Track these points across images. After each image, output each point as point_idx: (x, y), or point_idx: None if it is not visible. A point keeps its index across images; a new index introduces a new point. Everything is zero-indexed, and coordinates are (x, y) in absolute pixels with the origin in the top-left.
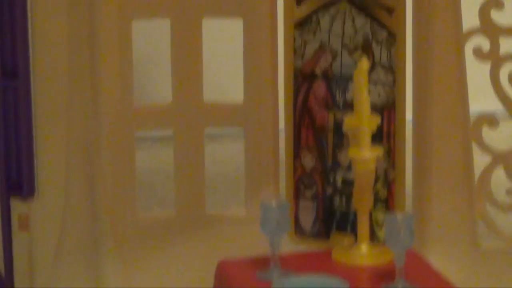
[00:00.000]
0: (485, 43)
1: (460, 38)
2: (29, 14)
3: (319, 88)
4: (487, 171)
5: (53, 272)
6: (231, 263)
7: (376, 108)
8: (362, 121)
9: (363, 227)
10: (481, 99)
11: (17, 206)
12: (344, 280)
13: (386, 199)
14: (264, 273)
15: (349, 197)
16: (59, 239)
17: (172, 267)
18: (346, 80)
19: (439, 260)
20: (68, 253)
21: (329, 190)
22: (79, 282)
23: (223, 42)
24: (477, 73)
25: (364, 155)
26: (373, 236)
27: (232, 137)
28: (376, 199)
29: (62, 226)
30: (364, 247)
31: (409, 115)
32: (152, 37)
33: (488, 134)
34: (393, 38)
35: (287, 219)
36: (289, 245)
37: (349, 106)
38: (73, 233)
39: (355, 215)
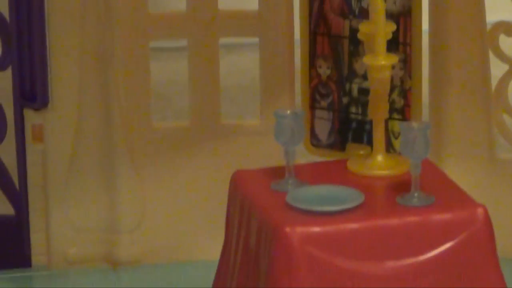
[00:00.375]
0: None
1: None
2: None
3: None
4: (504, 80)
5: (67, 183)
6: (246, 173)
7: (392, 16)
8: (378, 28)
9: (378, 136)
10: (498, 9)
11: (31, 117)
12: (359, 190)
13: (403, 108)
14: (278, 183)
15: (365, 106)
16: (73, 150)
17: (187, 177)
18: None
19: (455, 170)
20: (82, 163)
21: (345, 100)
22: (94, 193)
23: None
24: None
25: (379, 62)
26: (389, 147)
27: (249, 47)
28: (392, 109)
29: (76, 136)
30: (379, 157)
31: (425, 25)
32: None
33: (506, 43)
34: None
35: (302, 129)
36: (305, 156)
37: (365, 13)
38: (88, 144)
39: (371, 125)
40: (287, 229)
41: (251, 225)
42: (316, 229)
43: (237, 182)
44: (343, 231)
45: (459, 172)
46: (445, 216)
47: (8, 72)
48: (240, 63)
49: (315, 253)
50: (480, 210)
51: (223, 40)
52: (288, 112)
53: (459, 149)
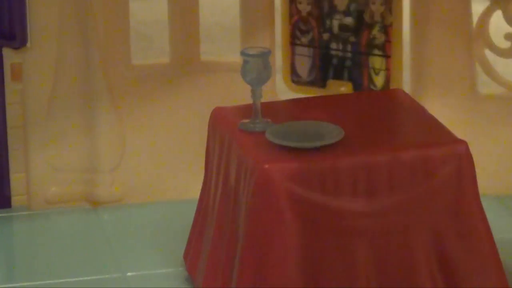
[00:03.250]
0: None
1: None
2: None
3: None
4: (485, 15)
5: (46, 123)
6: (225, 110)
7: None
8: None
9: None
10: None
11: (10, 56)
12: (339, 126)
13: (383, 44)
14: (245, 123)
15: (346, 43)
16: (53, 89)
17: (167, 116)
18: None
19: (437, 106)
20: (62, 103)
21: (326, 36)
22: (73, 132)
23: None
24: None
25: None
26: (369, 83)
27: None
28: (373, 45)
29: (55, 76)
30: None
31: None
32: None
33: None
34: None
35: (269, 68)
36: (286, 93)
37: None
38: (67, 83)
39: (352, 61)
40: (266, 166)
41: (231, 162)
42: (296, 165)
43: (216, 119)
44: (322, 168)
45: (441, 108)
46: (426, 152)
47: None
48: (222, 2)
49: (294, 190)
50: (461, 146)
51: None
52: (255, 51)
53: (441, 85)
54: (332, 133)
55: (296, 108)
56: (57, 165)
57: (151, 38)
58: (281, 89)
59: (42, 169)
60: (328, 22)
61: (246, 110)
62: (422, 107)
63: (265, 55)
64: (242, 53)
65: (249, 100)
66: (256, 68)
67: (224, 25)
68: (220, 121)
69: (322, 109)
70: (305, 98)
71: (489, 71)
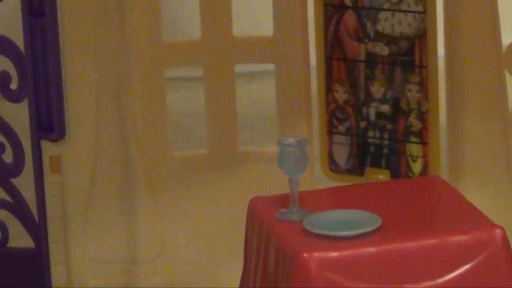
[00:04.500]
0: None
1: None
2: None
3: (350, 19)
4: None
5: (86, 215)
6: (263, 200)
7: (408, 38)
8: None
9: None
10: None
11: (48, 149)
12: (376, 214)
13: (420, 131)
14: (283, 212)
15: (382, 130)
16: (92, 181)
17: (206, 206)
18: (376, 9)
19: (473, 192)
20: (101, 194)
21: (363, 124)
22: (113, 224)
23: None
24: (508, 5)
25: None
26: (407, 170)
27: (271, 75)
28: (410, 132)
29: (94, 167)
30: None
31: (441, 49)
32: None
33: None
34: None
35: (305, 157)
36: (325, 182)
37: (380, 36)
38: (105, 175)
39: (389, 149)
40: (305, 255)
41: (270, 251)
42: (334, 254)
43: (255, 209)
44: (360, 256)
45: (478, 194)
46: (463, 238)
47: (25, 104)
48: (262, 91)
49: (333, 278)
50: (498, 231)
51: (244, 69)
52: (291, 140)
53: (477, 171)
54: (369, 221)
55: (333, 196)
56: (97, 256)
57: (189, 128)
58: (319, 178)
59: (82, 260)
60: (364, 110)
61: (284, 199)
62: (459, 193)
63: (301, 144)
64: (279, 143)
65: (287, 189)
66: (292, 157)
67: (264, 114)
68: (258, 211)
69: (360, 198)
70: (342, 187)
71: None
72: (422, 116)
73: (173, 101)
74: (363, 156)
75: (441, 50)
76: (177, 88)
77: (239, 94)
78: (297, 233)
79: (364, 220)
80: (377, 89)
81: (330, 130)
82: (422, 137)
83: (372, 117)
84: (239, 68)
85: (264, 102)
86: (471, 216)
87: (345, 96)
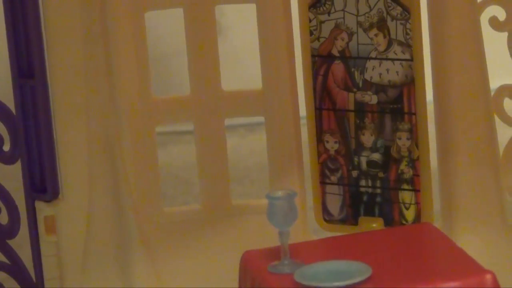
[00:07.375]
0: (500, 13)
1: (475, 8)
2: (41, 14)
3: (338, 69)
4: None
5: (82, 273)
6: (255, 253)
7: (396, 86)
8: None
9: None
10: (501, 74)
11: (43, 210)
12: (366, 263)
13: (412, 178)
14: (274, 265)
15: (375, 179)
16: (86, 240)
17: (200, 261)
18: (363, 59)
19: (466, 238)
20: (96, 253)
21: (355, 173)
22: (109, 281)
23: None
24: (494, 50)
25: None
26: (400, 218)
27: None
28: (402, 180)
29: (88, 226)
30: None
31: (429, 95)
32: (166, 29)
33: (510, 106)
34: (408, 13)
35: (295, 209)
36: (320, 233)
37: (368, 85)
38: (100, 233)
39: (382, 197)
40: None
41: None
42: None
43: (247, 262)
44: None
45: (470, 240)
46: (453, 285)
47: (18, 166)
48: (263, 142)
49: None
50: (488, 276)
51: (244, 120)
52: (280, 193)
53: (470, 216)
54: (360, 271)
55: (326, 247)
56: None
57: (191, 181)
58: (314, 229)
59: None
60: (356, 159)
61: (276, 252)
62: (450, 240)
63: (290, 197)
64: (267, 196)
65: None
66: (281, 210)
67: (263, 165)
68: (250, 264)
69: (352, 247)
70: (335, 237)
71: None
72: (413, 163)
73: (172, 154)
74: (357, 205)
75: (429, 95)
76: (176, 142)
77: (239, 145)
78: (288, 286)
79: (354, 270)
80: (367, 138)
81: (323, 180)
82: (414, 184)
83: (364, 166)
84: (239, 119)
85: (265, 153)
86: (461, 262)
87: (336, 146)
